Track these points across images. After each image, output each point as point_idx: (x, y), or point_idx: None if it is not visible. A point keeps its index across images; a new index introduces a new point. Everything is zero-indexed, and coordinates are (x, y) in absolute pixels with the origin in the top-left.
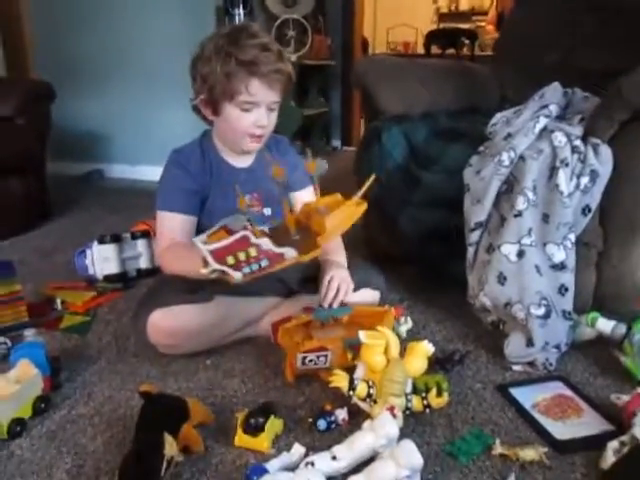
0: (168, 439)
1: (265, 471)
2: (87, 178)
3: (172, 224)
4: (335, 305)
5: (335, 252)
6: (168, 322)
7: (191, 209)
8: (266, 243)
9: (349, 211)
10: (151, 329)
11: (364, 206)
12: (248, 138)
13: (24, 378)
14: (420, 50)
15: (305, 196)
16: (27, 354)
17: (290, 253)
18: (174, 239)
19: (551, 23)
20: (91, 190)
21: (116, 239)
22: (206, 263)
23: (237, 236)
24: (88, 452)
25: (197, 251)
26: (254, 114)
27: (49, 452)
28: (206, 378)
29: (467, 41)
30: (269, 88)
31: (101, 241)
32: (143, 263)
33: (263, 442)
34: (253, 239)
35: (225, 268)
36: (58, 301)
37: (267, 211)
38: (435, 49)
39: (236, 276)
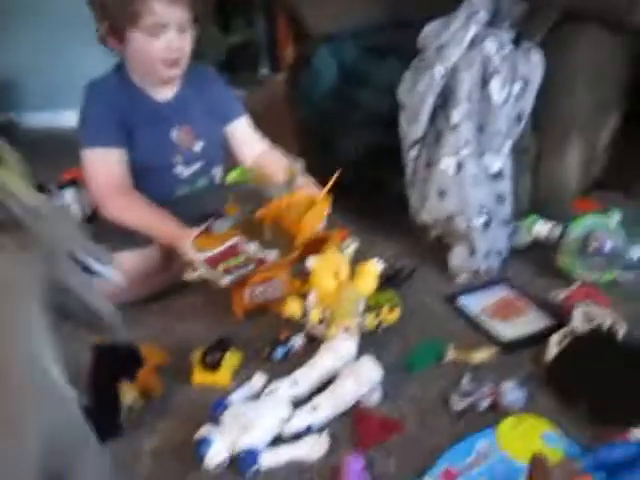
0: (124, 388)
1: (228, 404)
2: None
3: (105, 161)
4: None
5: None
6: None
7: (119, 141)
8: (252, 248)
9: (319, 208)
10: None
11: (329, 201)
12: (162, 65)
13: None
14: None
15: (239, 126)
16: None
17: (271, 256)
18: (113, 178)
19: None
20: (6, 143)
21: (41, 191)
22: (192, 268)
23: (229, 243)
24: None
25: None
26: (163, 38)
27: None
28: (157, 323)
29: None
30: (172, 5)
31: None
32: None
33: (223, 376)
34: (242, 246)
35: (213, 277)
36: None
37: (198, 146)
38: None
39: (224, 281)
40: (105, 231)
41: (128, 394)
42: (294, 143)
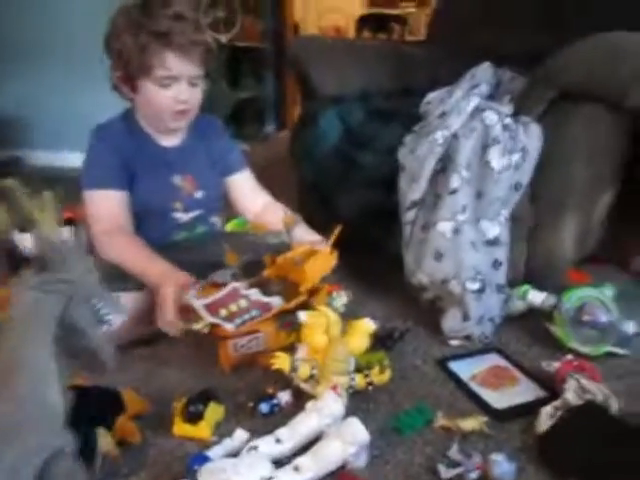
0: (102, 433)
1: (207, 459)
2: (4, 166)
3: (107, 202)
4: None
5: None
6: None
7: (122, 184)
8: (255, 293)
9: (323, 259)
10: None
11: (335, 255)
12: (170, 115)
13: None
14: (351, 35)
15: (240, 180)
16: None
17: (276, 301)
18: (114, 219)
19: (480, 6)
20: (9, 179)
21: None
22: (198, 318)
23: (228, 289)
24: None
25: (190, 306)
26: (173, 89)
27: None
28: (142, 368)
29: (397, 26)
30: (186, 61)
31: (22, 229)
32: None
33: (204, 430)
34: (242, 290)
35: (219, 321)
36: None
37: (199, 194)
38: (366, 34)
39: (228, 327)
40: (100, 271)
41: (104, 441)
42: (294, 200)
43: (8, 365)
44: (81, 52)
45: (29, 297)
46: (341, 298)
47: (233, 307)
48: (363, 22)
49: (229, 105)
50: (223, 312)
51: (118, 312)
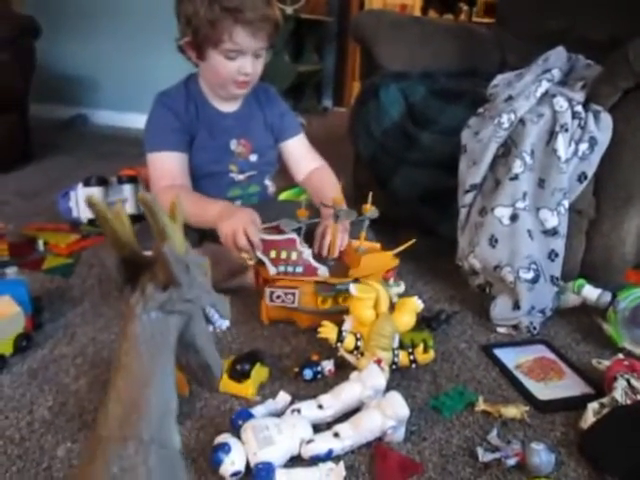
0: None
1: (251, 416)
2: (71, 122)
3: (168, 164)
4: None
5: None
6: None
7: (183, 147)
8: (308, 253)
9: (383, 259)
10: None
11: (396, 262)
12: (232, 84)
13: (5, 314)
14: (417, 13)
15: (294, 144)
16: (9, 291)
17: (323, 271)
18: (174, 178)
19: None
20: (75, 135)
21: (102, 182)
22: (252, 255)
23: (287, 236)
24: (71, 391)
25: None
26: (238, 61)
27: (30, 389)
28: None
29: (465, 7)
30: (254, 36)
31: (86, 183)
32: (129, 208)
33: (248, 388)
34: (299, 245)
35: (265, 259)
36: (40, 242)
37: (253, 157)
38: (432, 14)
39: (271, 270)
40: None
41: None
42: (348, 176)
43: (135, 388)
44: (149, 15)
45: (152, 316)
46: (399, 287)
47: (283, 253)
48: (429, 1)
49: (289, 77)
50: (272, 253)
51: (226, 316)
